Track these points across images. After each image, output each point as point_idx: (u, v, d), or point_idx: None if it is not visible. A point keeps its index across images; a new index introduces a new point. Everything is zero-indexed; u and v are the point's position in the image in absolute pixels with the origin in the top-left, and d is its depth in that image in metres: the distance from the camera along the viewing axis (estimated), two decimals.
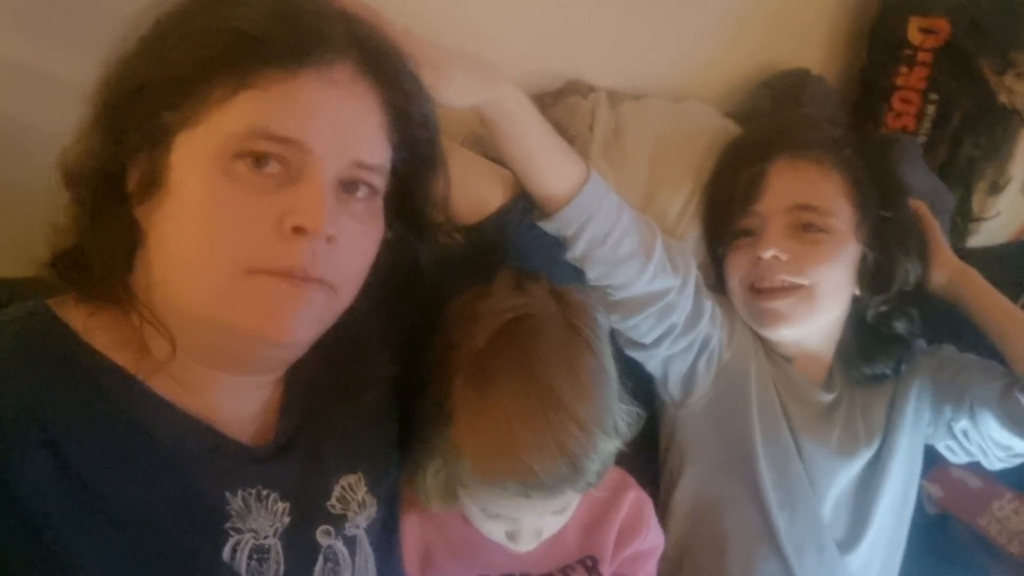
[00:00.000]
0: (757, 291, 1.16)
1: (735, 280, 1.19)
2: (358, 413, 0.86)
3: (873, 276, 1.19)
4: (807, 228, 1.14)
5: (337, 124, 0.68)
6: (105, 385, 0.67)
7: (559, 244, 1.02)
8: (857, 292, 1.20)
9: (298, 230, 0.66)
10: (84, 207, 0.70)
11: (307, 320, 0.71)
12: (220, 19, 0.66)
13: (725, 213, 1.19)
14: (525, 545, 0.94)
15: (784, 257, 1.13)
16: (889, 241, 1.19)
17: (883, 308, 1.21)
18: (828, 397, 1.22)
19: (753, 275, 1.16)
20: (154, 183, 0.67)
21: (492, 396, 0.82)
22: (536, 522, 0.93)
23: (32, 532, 0.61)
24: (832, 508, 1.19)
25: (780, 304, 1.14)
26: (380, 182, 0.73)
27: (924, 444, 1.27)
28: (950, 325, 1.29)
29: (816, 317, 1.17)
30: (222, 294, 0.66)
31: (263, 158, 0.66)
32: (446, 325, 0.89)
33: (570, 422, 0.81)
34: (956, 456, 1.27)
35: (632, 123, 1.21)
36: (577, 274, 1.04)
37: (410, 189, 0.79)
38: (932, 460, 1.32)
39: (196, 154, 0.66)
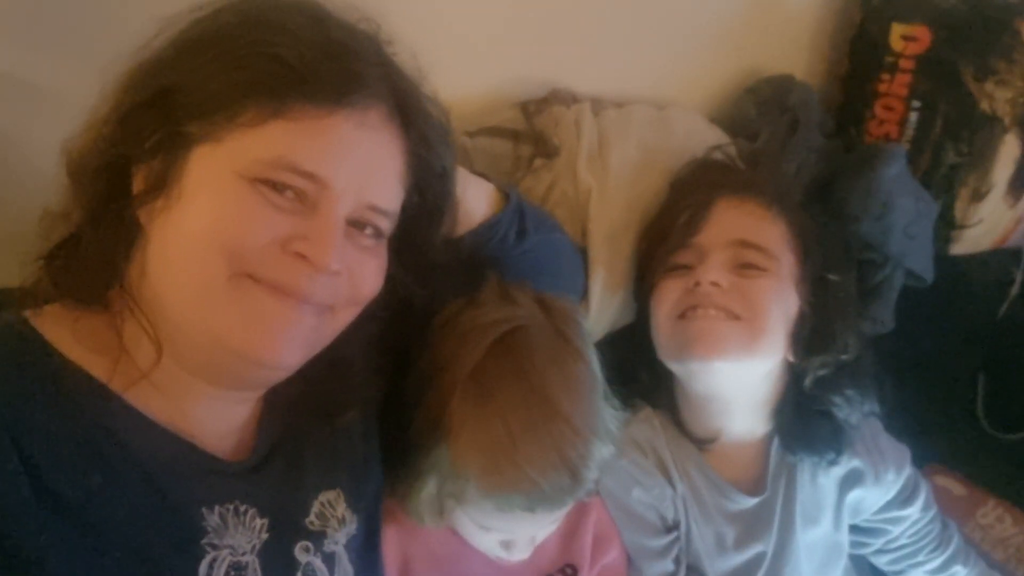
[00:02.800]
0: (686, 315, 1.07)
1: (662, 311, 1.10)
2: (338, 430, 0.85)
3: (809, 339, 1.11)
4: (747, 267, 1.08)
5: (361, 166, 0.70)
6: (82, 400, 0.67)
7: (547, 259, 1.02)
8: (791, 358, 1.11)
9: (301, 258, 0.67)
10: (84, 198, 0.70)
11: (295, 342, 0.71)
12: (266, 44, 0.67)
13: (661, 245, 1.12)
14: (520, 553, 0.94)
15: (724, 284, 1.06)
16: (829, 303, 1.13)
17: (821, 373, 1.12)
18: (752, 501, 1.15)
19: (685, 303, 1.07)
20: (164, 187, 0.67)
21: (493, 412, 0.82)
22: (531, 530, 0.93)
23: (7, 550, 0.60)
24: None
25: (715, 325, 1.05)
26: (388, 226, 0.75)
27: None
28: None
29: (752, 357, 1.08)
30: (215, 298, 0.67)
31: (283, 187, 0.67)
32: (435, 341, 0.89)
33: (569, 431, 0.83)
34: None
35: (615, 133, 1.20)
36: (561, 287, 1.02)
37: (413, 233, 0.80)
38: (921, 464, 1.31)
39: (216, 169, 0.67)
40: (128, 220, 0.70)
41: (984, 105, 1.42)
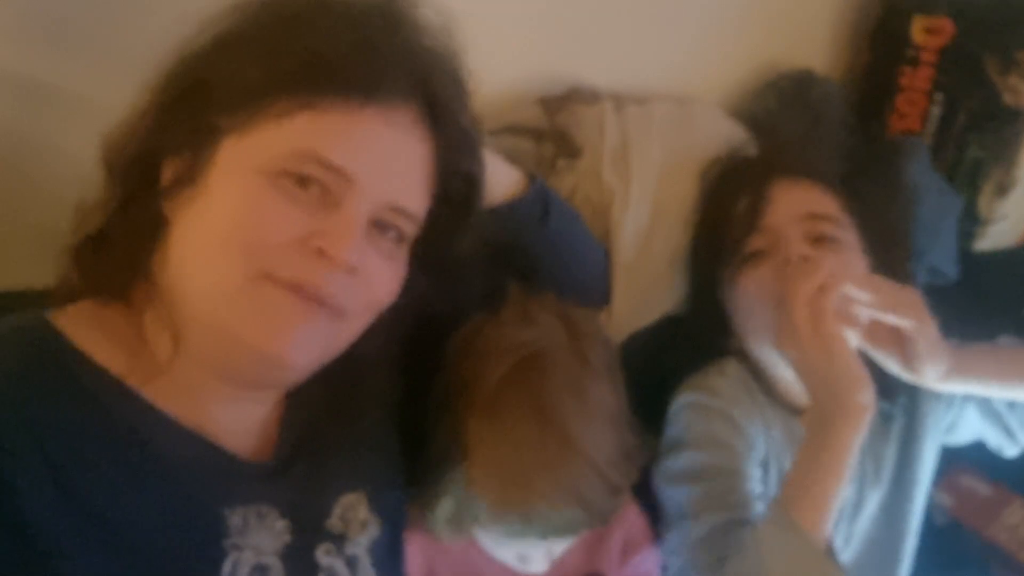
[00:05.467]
0: None
1: (757, 300, 1.07)
2: (359, 432, 0.85)
3: None
4: (822, 239, 1.08)
5: (386, 164, 0.70)
6: (105, 399, 0.67)
7: (570, 246, 1.01)
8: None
9: (321, 253, 0.67)
10: (117, 190, 0.71)
11: (308, 344, 0.70)
12: (300, 36, 0.68)
13: (727, 238, 1.11)
14: (537, 566, 0.93)
15: (813, 259, 1.04)
16: (889, 263, 1.13)
17: None
18: None
19: (781, 285, 1.03)
20: (191, 180, 0.68)
21: (507, 444, 0.82)
22: (547, 547, 0.92)
23: (30, 550, 0.60)
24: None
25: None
26: (411, 230, 0.75)
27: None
28: None
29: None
30: (231, 295, 0.67)
31: (307, 180, 0.66)
32: (456, 359, 0.88)
33: (587, 468, 0.82)
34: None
35: (638, 133, 1.18)
36: (584, 279, 1.01)
37: (437, 240, 0.79)
38: (941, 470, 1.30)
39: (242, 161, 0.67)
40: (155, 213, 0.70)
41: (1008, 98, 1.40)
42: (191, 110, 0.68)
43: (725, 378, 1.13)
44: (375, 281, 0.73)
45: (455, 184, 0.78)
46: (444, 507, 0.88)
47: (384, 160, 0.69)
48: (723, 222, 1.13)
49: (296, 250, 0.67)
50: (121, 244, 0.71)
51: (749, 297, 1.10)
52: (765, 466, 1.10)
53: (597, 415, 0.85)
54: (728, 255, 1.12)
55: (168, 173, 0.70)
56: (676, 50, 1.36)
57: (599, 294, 1.12)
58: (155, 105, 0.70)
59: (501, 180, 0.93)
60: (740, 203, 1.12)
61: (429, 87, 0.72)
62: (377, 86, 0.68)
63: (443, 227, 0.79)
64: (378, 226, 0.71)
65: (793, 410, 1.14)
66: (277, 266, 0.67)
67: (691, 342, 1.18)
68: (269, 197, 0.66)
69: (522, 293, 0.92)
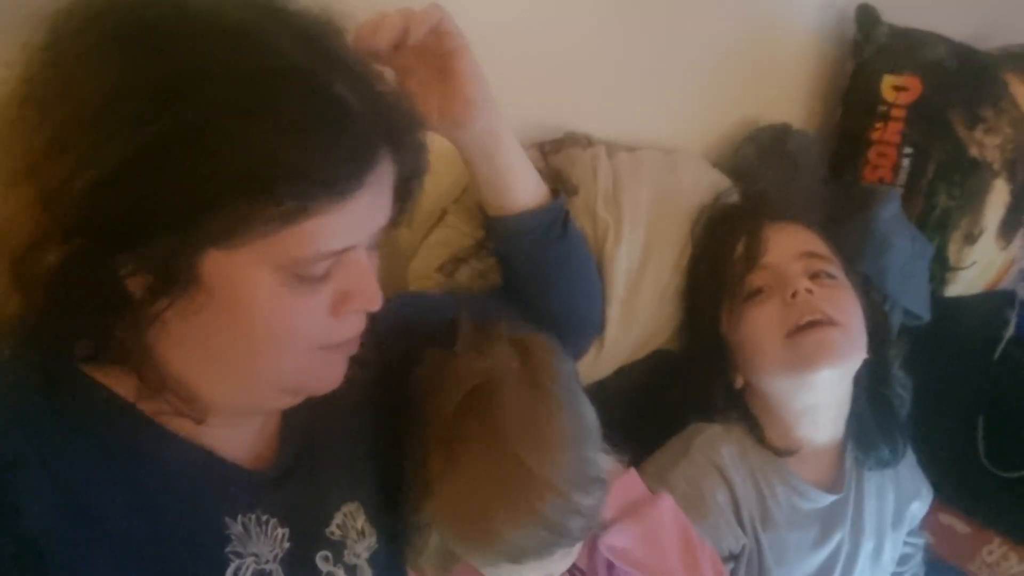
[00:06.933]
0: (799, 330, 1.10)
1: (766, 333, 1.13)
2: (358, 444, 0.87)
3: (874, 332, 1.18)
4: (819, 275, 1.15)
5: (377, 216, 0.70)
6: (103, 412, 0.68)
7: (582, 267, 1.03)
8: (867, 355, 1.17)
9: (357, 312, 0.71)
10: (70, 308, 0.63)
11: (344, 370, 0.76)
12: (275, 152, 0.60)
13: (727, 278, 1.17)
14: None
15: (815, 292, 1.11)
16: (873, 297, 1.23)
17: (897, 360, 1.23)
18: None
19: (789, 318, 1.11)
20: (179, 291, 0.62)
21: (463, 475, 0.82)
22: (545, 567, 0.91)
23: (33, 561, 0.61)
24: None
25: (829, 334, 1.09)
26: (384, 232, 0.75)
27: None
28: None
29: (854, 359, 1.14)
30: (289, 371, 0.70)
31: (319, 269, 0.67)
32: (417, 395, 0.89)
33: (545, 490, 0.80)
34: None
35: (628, 175, 1.24)
36: (587, 304, 1.05)
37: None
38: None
39: (244, 268, 0.63)
40: (131, 312, 0.63)
41: (974, 151, 1.47)
42: (152, 234, 0.59)
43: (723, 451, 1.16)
44: None
45: (410, 186, 0.76)
46: (425, 544, 0.88)
47: (374, 214, 0.70)
48: (722, 262, 1.19)
49: (331, 319, 0.70)
50: (100, 332, 0.66)
51: (757, 332, 1.15)
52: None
53: (554, 440, 0.83)
54: (729, 294, 1.17)
55: (138, 287, 0.62)
56: (665, 105, 1.42)
57: (596, 322, 1.14)
58: (98, 225, 0.59)
59: (530, 187, 0.94)
60: (738, 244, 1.18)
61: (391, 130, 0.69)
62: (364, 174, 0.65)
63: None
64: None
65: (784, 452, 1.18)
66: (323, 340, 0.71)
67: (690, 377, 1.23)
68: (292, 296, 0.66)
69: (475, 324, 0.91)
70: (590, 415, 0.90)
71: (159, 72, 0.59)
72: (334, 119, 0.62)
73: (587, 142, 1.26)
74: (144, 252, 0.60)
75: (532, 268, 0.99)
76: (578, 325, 1.06)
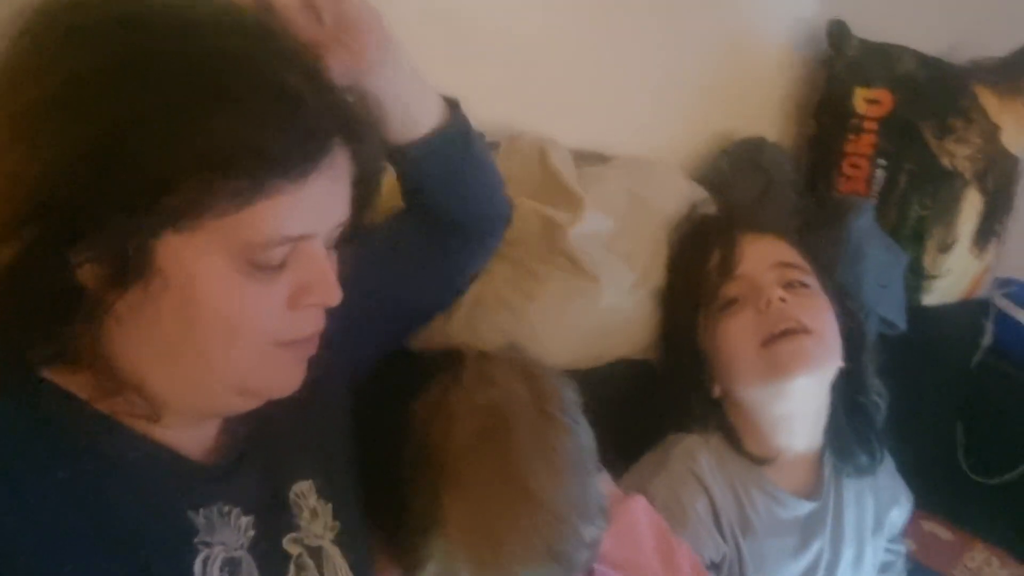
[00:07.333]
0: (773, 338, 1.11)
1: (741, 342, 1.15)
2: (307, 422, 0.85)
3: (849, 340, 1.20)
4: (792, 285, 1.16)
5: (334, 206, 0.71)
6: (60, 414, 0.67)
7: (491, 170, 1.01)
8: (842, 362, 1.18)
9: (314, 307, 0.70)
10: (21, 303, 0.63)
11: (304, 371, 0.75)
12: (228, 131, 0.61)
13: (702, 289, 1.19)
14: None
15: (789, 301, 1.13)
16: (848, 304, 1.23)
17: (871, 368, 1.24)
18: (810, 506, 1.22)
19: (763, 327, 1.13)
20: (134, 279, 0.62)
21: (476, 509, 0.82)
22: None
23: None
24: None
25: (802, 342, 1.11)
26: (344, 228, 0.75)
27: None
28: None
29: (828, 367, 1.16)
30: (244, 369, 0.69)
31: (274, 255, 0.67)
32: (421, 426, 0.88)
33: (556, 523, 0.82)
34: None
35: (603, 175, 1.25)
36: (498, 199, 1.03)
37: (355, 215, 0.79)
38: None
39: (199, 255, 0.63)
40: (83, 305, 0.63)
41: (945, 161, 1.50)
42: (105, 218, 0.59)
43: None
44: None
45: (368, 176, 0.76)
46: (430, 572, 0.87)
47: (331, 204, 0.70)
48: (697, 273, 1.20)
49: (288, 315, 0.69)
50: (53, 330, 0.64)
51: (732, 342, 1.16)
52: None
53: (564, 470, 0.85)
54: (704, 304, 1.18)
55: (89, 277, 0.62)
56: (638, 119, 1.44)
57: (500, 235, 1.10)
58: (44, 211, 0.60)
59: (428, 109, 0.92)
60: (712, 255, 1.19)
61: (344, 114, 0.70)
62: (317, 156, 0.65)
63: (357, 207, 0.77)
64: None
65: (762, 460, 1.19)
66: (279, 335, 0.69)
67: (667, 387, 1.24)
68: (248, 286, 0.65)
69: (480, 354, 0.92)
70: (589, 440, 0.91)
71: (112, 59, 0.60)
72: (287, 102, 0.63)
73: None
74: (99, 239, 0.60)
75: (444, 183, 0.96)
76: (490, 225, 1.05)
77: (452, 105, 0.94)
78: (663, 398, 1.22)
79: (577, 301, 1.17)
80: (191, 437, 0.75)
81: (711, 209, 1.34)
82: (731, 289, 1.17)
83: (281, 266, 0.67)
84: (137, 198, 0.59)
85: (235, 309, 0.66)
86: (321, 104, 0.66)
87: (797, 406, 1.18)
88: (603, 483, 1.00)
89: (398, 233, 0.98)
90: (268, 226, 0.64)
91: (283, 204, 0.64)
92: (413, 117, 0.90)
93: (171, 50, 0.61)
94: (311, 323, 0.72)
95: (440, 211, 0.97)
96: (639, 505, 1.04)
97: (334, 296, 0.70)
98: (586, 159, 1.30)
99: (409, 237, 0.98)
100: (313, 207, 0.67)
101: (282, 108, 0.63)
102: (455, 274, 1.07)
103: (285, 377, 0.73)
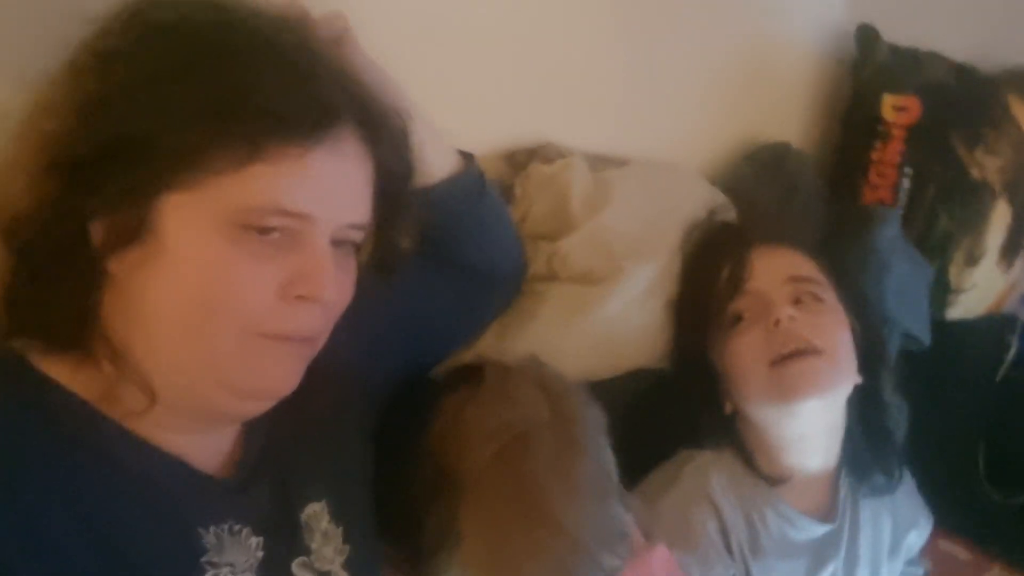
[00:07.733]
0: (782, 359, 1.08)
1: (749, 361, 1.11)
2: (320, 442, 0.85)
3: (867, 355, 1.16)
4: (805, 300, 1.12)
5: (340, 193, 0.70)
6: (74, 424, 0.66)
7: (505, 219, 1.03)
8: (859, 379, 1.15)
9: (302, 298, 0.68)
10: (38, 261, 0.66)
11: (296, 375, 0.73)
12: (237, 80, 0.64)
13: (711, 303, 1.15)
14: None
15: (799, 320, 1.09)
16: (867, 317, 1.19)
17: (890, 384, 1.20)
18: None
19: (772, 347, 1.09)
20: (134, 238, 0.64)
21: (495, 532, 0.82)
22: None
23: None
24: None
25: (811, 363, 1.07)
26: (361, 237, 0.75)
27: None
28: None
29: (841, 387, 1.12)
30: (224, 356, 0.67)
31: (270, 230, 0.66)
32: (440, 443, 0.87)
33: (576, 549, 0.81)
34: None
35: (620, 182, 1.22)
36: (510, 264, 1.06)
37: (378, 232, 0.80)
38: None
39: (195, 218, 0.64)
40: (95, 272, 0.66)
41: (975, 172, 1.46)
42: (118, 170, 0.63)
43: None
44: (339, 297, 0.73)
45: (394, 182, 0.77)
46: None
47: (337, 190, 0.69)
48: (707, 286, 1.16)
49: (278, 302, 0.68)
50: (63, 309, 0.66)
51: (740, 360, 1.12)
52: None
53: (584, 494, 0.84)
54: (714, 319, 1.15)
55: (99, 232, 0.65)
56: (657, 124, 1.41)
57: (517, 284, 1.13)
58: (66, 166, 0.64)
59: (442, 157, 0.94)
60: (723, 270, 1.15)
61: (358, 101, 0.71)
62: (321, 125, 0.66)
63: (383, 221, 0.78)
64: (334, 243, 0.72)
65: (775, 480, 1.16)
66: (266, 325, 0.68)
67: (678, 401, 1.20)
68: (238, 260, 0.65)
69: (502, 368, 0.90)
70: (611, 463, 0.90)
71: (142, 28, 0.66)
72: (295, 68, 0.67)
73: (558, 155, 1.23)
74: (106, 191, 0.63)
75: (458, 229, 0.98)
76: (502, 278, 1.07)
77: (466, 157, 0.97)
78: (674, 412, 1.19)
79: (582, 311, 1.15)
80: (203, 447, 0.75)
81: (730, 215, 1.31)
82: (740, 304, 1.14)
83: (275, 246, 0.67)
84: (138, 148, 0.62)
85: (220, 283, 0.65)
86: (332, 78, 0.69)
87: (809, 427, 1.14)
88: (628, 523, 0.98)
89: (420, 271, 0.98)
90: (265, 193, 0.64)
91: (282, 173, 0.65)
92: (427, 162, 0.90)
93: (208, 20, 0.67)
94: (303, 320, 0.70)
95: (455, 256, 0.99)
96: (657, 556, 1.01)
97: (325, 290, 0.68)
98: (606, 162, 1.27)
99: (428, 279, 0.99)
100: (315, 186, 0.67)
101: (288, 72, 0.66)
102: (471, 319, 1.09)
103: (272, 374, 0.71)
